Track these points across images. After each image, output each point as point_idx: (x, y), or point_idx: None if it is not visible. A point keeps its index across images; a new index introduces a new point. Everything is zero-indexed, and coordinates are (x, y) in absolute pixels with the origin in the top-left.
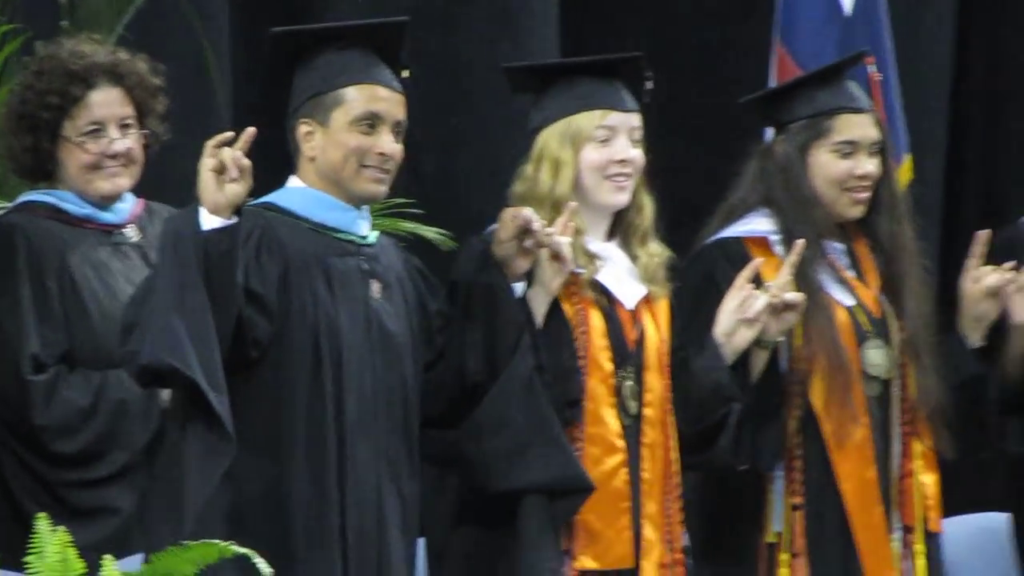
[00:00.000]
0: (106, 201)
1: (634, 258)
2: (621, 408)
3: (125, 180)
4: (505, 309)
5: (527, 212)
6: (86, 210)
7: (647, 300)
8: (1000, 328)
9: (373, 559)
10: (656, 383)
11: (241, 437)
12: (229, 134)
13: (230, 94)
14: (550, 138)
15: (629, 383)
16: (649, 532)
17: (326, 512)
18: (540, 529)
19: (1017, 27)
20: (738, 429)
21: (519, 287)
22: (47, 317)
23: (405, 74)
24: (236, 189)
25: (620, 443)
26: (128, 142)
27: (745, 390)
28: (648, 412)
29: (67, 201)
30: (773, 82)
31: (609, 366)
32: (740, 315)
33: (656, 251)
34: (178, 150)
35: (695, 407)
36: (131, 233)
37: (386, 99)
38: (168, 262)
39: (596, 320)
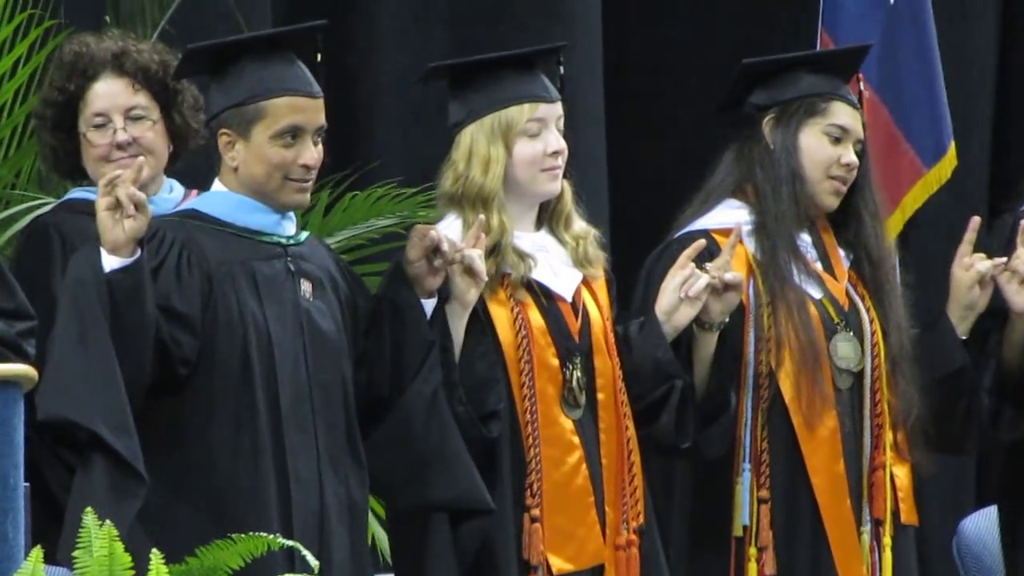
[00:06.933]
0: None
1: (563, 243)
2: (570, 403)
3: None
4: (412, 327)
5: (435, 233)
6: None
7: (585, 283)
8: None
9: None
10: (606, 365)
11: (177, 452)
12: (119, 172)
13: None
14: (478, 135)
15: (577, 374)
16: (611, 515)
17: (266, 504)
18: (441, 556)
19: None
20: (680, 407)
21: (429, 304)
22: None
23: (318, 58)
24: (133, 224)
25: (576, 439)
26: (136, 131)
27: (689, 370)
28: (602, 396)
29: None
30: None
31: (555, 363)
32: (681, 293)
33: (581, 232)
34: None
35: (637, 384)
36: None
37: (306, 108)
38: (67, 309)
39: (536, 320)
